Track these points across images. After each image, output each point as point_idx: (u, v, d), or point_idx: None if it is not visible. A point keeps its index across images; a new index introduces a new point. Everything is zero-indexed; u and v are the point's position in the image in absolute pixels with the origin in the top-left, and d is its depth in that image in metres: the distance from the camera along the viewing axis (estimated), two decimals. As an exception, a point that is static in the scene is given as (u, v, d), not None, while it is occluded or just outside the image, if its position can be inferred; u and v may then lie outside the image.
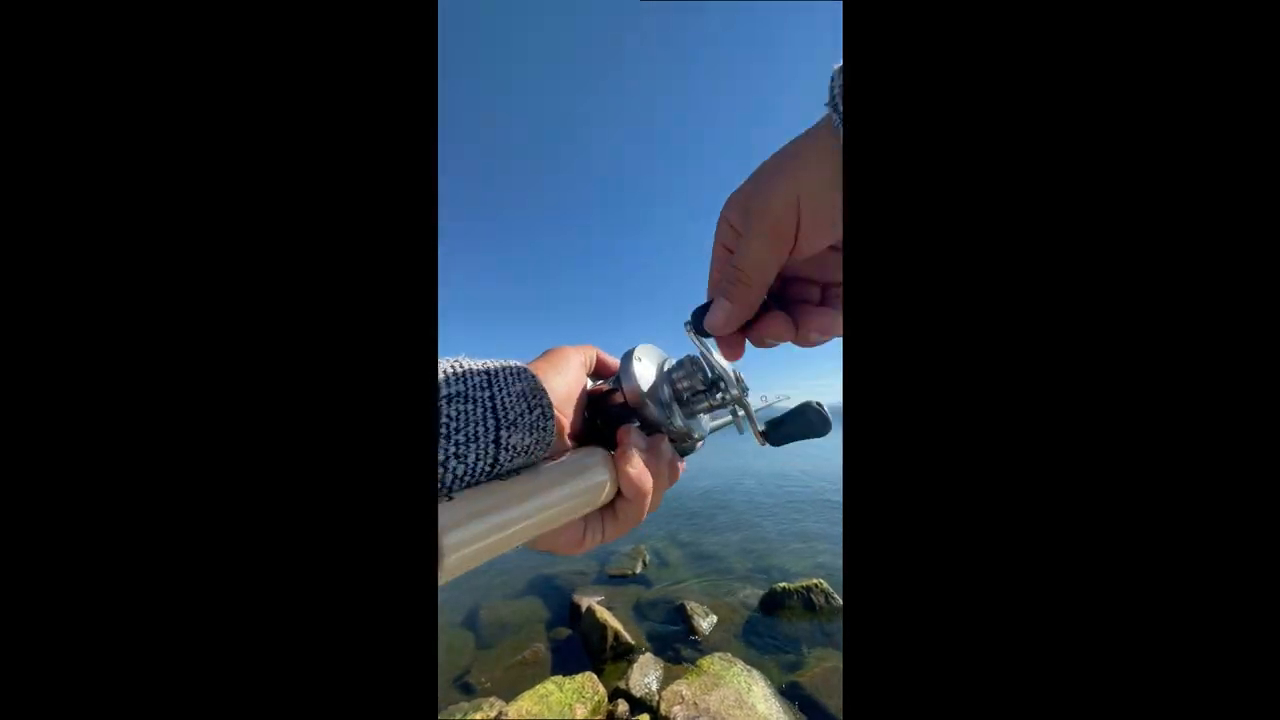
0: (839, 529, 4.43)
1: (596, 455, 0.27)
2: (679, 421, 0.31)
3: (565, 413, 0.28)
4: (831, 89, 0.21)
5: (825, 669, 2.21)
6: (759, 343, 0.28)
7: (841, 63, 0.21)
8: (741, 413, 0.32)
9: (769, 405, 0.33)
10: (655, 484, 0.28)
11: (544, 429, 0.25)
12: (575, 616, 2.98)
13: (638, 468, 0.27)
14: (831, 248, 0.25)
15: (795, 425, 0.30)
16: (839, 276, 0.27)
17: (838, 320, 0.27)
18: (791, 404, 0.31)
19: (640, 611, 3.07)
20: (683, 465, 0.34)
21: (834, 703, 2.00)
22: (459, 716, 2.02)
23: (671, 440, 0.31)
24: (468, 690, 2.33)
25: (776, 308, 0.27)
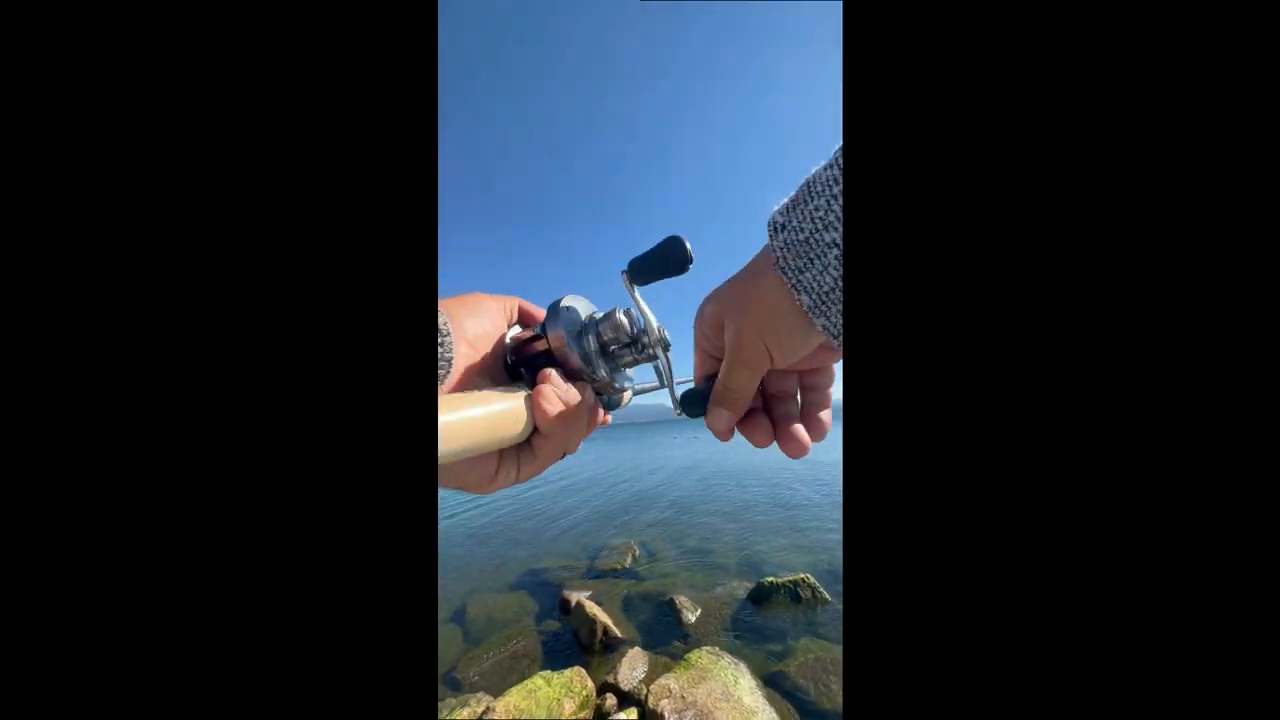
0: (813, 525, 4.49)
1: (515, 391, 0.27)
2: (602, 372, 0.31)
3: (480, 352, 0.29)
4: (772, 238, 0.23)
5: (810, 659, 2.24)
6: (748, 439, 0.31)
7: (783, 203, 0.23)
8: (663, 368, 0.33)
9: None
10: (573, 425, 0.29)
11: (440, 347, 0.25)
12: (564, 611, 2.99)
13: (554, 405, 0.27)
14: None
15: (657, 261, 0.29)
16: (806, 363, 0.31)
17: (806, 437, 0.31)
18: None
19: (630, 605, 3.08)
20: (608, 417, 0.35)
21: (819, 691, 2.03)
22: (446, 714, 2.02)
23: (595, 391, 0.32)
24: (455, 686, 2.33)
25: (762, 411, 0.32)
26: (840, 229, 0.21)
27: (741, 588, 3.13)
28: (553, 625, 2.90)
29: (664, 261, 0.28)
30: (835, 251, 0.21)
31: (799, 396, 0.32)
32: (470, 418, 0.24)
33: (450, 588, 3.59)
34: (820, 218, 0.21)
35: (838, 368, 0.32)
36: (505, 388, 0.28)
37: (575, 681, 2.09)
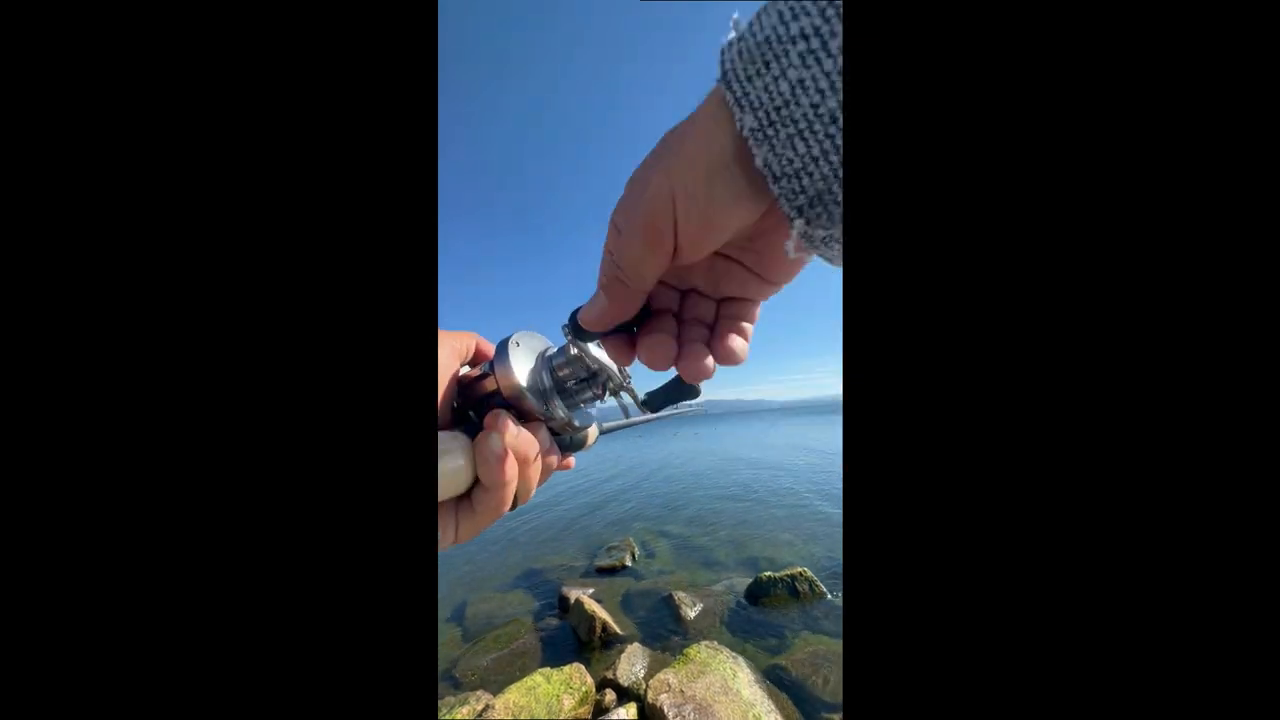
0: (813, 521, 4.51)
1: (455, 438, 0.25)
2: (560, 412, 0.29)
3: None
4: (722, 61, 0.18)
5: (808, 652, 2.26)
6: (645, 361, 0.25)
7: (733, 33, 0.18)
8: (628, 400, 0.31)
9: (680, 413, 0.32)
10: (522, 472, 0.26)
11: None
12: (563, 608, 3.00)
13: (497, 451, 0.24)
14: (723, 255, 0.24)
15: (668, 393, 0.29)
16: (733, 290, 0.25)
17: (711, 362, 0.25)
18: (699, 412, 0.31)
19: (629, 602, 3.09)
20: (570, 460, 0.32)
21: (817, 684, 2.05)
22: (446, 712, 2.02)
23: (553, 432, 0.30)
24: (455, 684, 2.33)
25: (662, 329, 0.26)
26: (813, 18, 0.16)
27: (740, 583, 3.14)
28: (552, 623, 2.91)
29: (675, 393, 0.28)
30: (802, 45, 0.16)
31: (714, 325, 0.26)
32: None
33: (450, 587, 3.60)
34: (790, 7, 0.16)
35: (764, 306, 0.27)
36: (443, 434, 0.25)
37: (574, 678, 2.10)
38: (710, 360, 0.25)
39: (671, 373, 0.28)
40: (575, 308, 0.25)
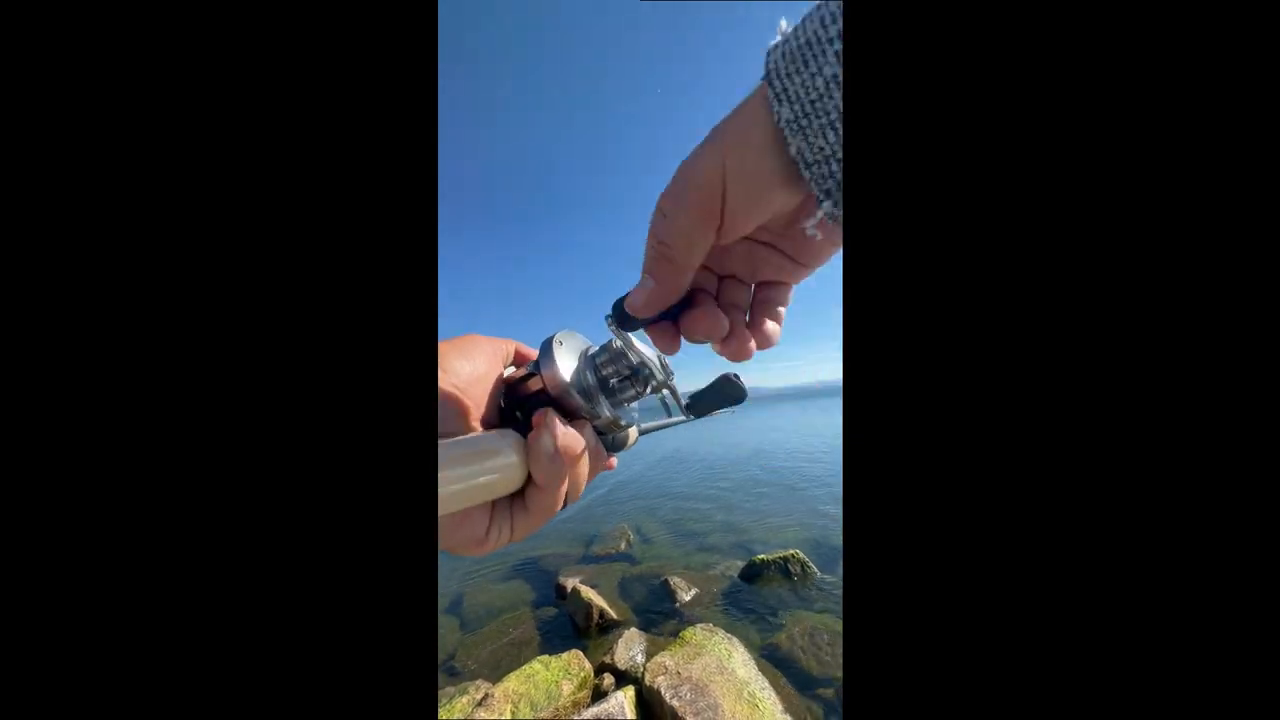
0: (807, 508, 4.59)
1: (507, 436, 0.25)
2: (605, 410, 0.29)
3: (471, 397, 0.26)
4: (766, 61, 0.20)
5: (800, 630, 2.31)
6: (690, 336, 0.27)
7: (778, 38, 0.20)
8: (670, 399, 0.31)
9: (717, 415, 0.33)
10: (572, 471, 0.27)
11: None
12: (560, 596, 3.03)
13: (550, 449, 0.25)
14: (761, 241, 0.26)
15: (714, 397, 0.30)
16: (769, 274, 0.28)
17: (753, 344, 0.28)
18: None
19: (625, 588, 3.13)
20: (613, 460, 0.33)
21: (809, 660, 2.10)
22: (445, 702, 2.04)
23: (598, 431, 0.30)
24: (454, 674, 2.36)
25: (706, 304, 0.27)
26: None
27: (734, 566, 3.19)
28: (549, 611, 2.94)
29: (720, 397, 0.29)
30: (837, 46, 0.18)
31: (748, 309, 0.29)
32: (450, 469, 0.21)
33: (446, 578, 3.61)
34: (831, 13, 0.18)
35: (796, 289, 0.29)
36: (494, 432, 0.25)
37: (573, 664, 2.13)
38: (753, 343, 0.27)
39: (715, 375, 0.31)
40: (618, 298, 0.26)
